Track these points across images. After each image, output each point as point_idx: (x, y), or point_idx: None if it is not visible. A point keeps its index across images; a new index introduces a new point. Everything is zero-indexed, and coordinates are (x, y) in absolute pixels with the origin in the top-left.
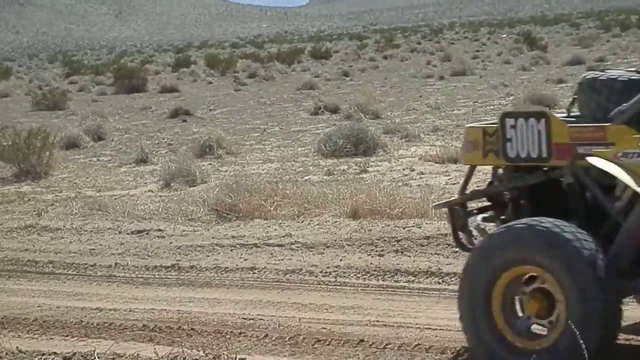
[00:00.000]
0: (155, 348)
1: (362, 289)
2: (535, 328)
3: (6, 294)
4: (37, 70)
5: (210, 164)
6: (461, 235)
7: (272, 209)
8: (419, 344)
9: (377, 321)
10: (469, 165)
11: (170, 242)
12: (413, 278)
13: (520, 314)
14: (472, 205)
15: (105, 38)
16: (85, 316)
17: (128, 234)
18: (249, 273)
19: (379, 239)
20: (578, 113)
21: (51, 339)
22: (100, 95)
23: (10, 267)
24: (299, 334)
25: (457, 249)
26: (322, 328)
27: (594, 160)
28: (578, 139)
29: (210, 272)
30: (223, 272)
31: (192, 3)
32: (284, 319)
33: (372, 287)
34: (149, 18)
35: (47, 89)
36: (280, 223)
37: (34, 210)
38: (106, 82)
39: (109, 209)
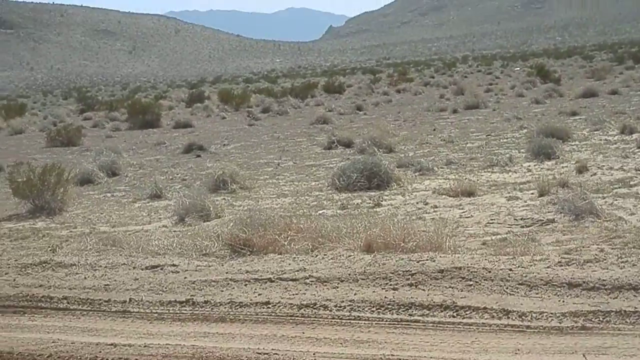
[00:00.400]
0: None
1: (376, 323)
2: None
3: (21, 330)
4: (51, 107)
5: (224, 198)
6: None
7: (286, 243)
8: None
9: (392, 355)
10: None
11: (185, 277)
12: (427, 312)
13: None
14: None
15: (119, 74)
16: (100, 352)
17: (142, 270)
18: (264, 308)
19: (393, 273)
20: None
21: None
22: (114, 131)
23: (25, 303)
24: None
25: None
26: None
27: None
28: None
29: (225, 307)
30: (237, 306)
31: (206, 38)
32: (299, 353)
33: (386, 320)
34: (163, 54)
35: (61, 125)
36: (294, 257)
37: (49, 246)
38: (120, 118)
39: (123, 244)
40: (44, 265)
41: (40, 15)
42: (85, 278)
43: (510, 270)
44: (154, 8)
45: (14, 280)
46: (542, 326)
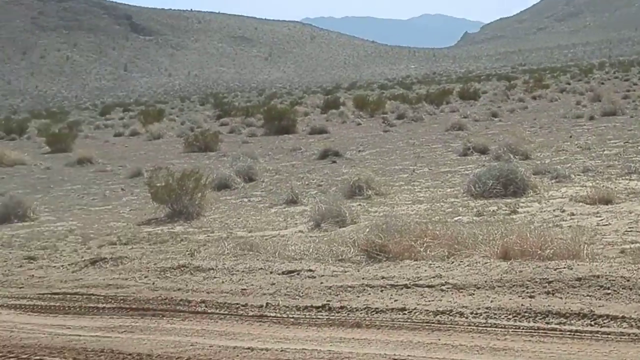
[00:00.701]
0: None
1: (512, 331)
2: None
3: (160, 332)
4: (188, 112)
5: (359, 204)
6: None
7: (422, 249)
8: None
9: None
10: None
11: (321, 283)
12: (565, 320)
13: None
14: None
15: (256, 80)
16: (237, 355)
17: (279, 274)
18: (399, 314)
19: (529, 281)
20: None
21: None
22: (250, 137)
23: (164, 306)
24: None
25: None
26: None
27: None
28: None
29: (361, 313)
30: (373, 312)
31: (341, 45)
32: None
33: (523, 329)
34: (298, 60)
35: (198, 130)
36: (430, 264)
37: (187, 251)
38: (256, 124)
39: (260, 249)
40: (182, 269)
41: (179, 22)
42: (222, 282)
43: None
44: (289, 15)
45: (153, 283)
46: None
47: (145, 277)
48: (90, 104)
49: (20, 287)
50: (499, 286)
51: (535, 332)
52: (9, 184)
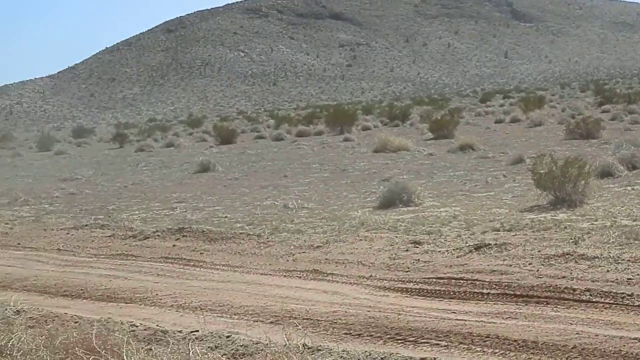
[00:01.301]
0: None
1: None
2: None
3: (544, 320)
4: (569, 99)
5: None
6: None
7: None
8: None
9: None
10: None
11: None
12: None
13: None
14: None
15: (637, 66)
16: (624, 346)
17: None
18: None
19: None
20: None
21: None
22: (633, 124)
23: (548, 293)
24: None
25: None
26: None
27: None
28: None
29: None
30: None
31: None
32: None
33: None
34: None
35: (579, 117)
36: None
37: (571, 238)
38: (639, 111)
39: None
40: (566, 256)
41: (560, 8)
42: (607, 271)
43: None
44: None
45: (537, 270)
46: None
47: (529, 264)
48: (470, 90)
49: (406, 271)
50: None
51: None
52: (394, 170)
